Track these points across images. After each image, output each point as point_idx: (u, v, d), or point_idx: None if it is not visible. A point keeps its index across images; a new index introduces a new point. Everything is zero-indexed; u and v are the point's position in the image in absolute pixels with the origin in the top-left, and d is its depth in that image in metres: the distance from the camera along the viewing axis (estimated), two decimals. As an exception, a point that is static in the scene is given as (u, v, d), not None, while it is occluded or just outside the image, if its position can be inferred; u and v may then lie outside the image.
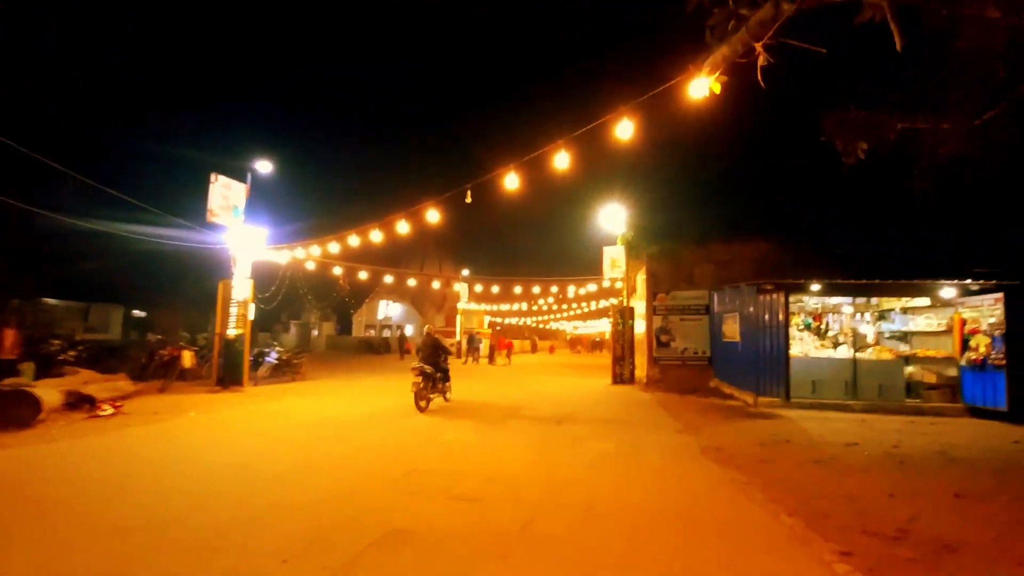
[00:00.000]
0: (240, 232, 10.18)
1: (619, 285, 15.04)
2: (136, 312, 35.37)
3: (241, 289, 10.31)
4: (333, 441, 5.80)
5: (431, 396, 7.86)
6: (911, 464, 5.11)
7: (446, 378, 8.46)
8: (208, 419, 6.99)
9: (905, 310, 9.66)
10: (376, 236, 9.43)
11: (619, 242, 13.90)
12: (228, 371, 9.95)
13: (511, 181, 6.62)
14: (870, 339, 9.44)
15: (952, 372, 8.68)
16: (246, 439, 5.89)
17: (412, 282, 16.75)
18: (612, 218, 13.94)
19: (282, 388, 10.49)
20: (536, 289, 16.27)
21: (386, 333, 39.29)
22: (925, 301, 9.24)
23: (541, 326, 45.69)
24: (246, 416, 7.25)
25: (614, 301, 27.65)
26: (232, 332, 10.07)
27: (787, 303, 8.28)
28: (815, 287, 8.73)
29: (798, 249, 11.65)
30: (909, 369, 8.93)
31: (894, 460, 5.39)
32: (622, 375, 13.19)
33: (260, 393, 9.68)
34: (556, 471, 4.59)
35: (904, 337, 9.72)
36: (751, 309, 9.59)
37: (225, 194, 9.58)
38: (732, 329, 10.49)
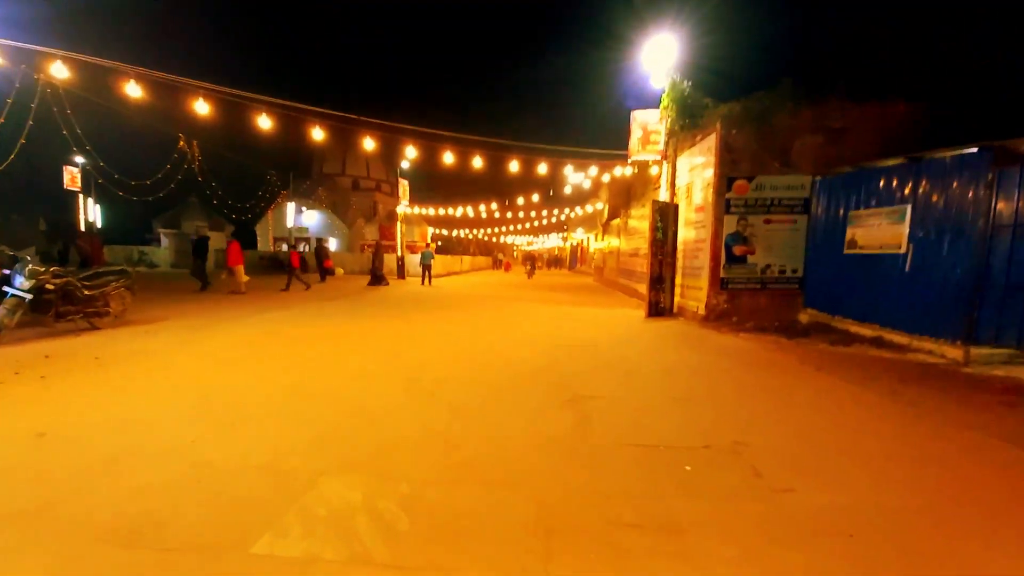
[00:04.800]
0: None
1: (654, 171, 10.28)
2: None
3: None
4: None
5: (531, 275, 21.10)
6: None
7: (534, 270, 23.02)
8: None
9: None
10: None
11: (664, 100, 8.84)
12: None
13: None
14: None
15: None
16: None
17: (318, 133, 10.11)
18: (655, 58, 8.67)
19: (32, 356, 4.87)
20: (513, 166, 10.87)
21: (303, 248, 32.22)
22: None
23: (493, 239, 40.74)
24: None
25: (598, 206, 23.12)
26: None
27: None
28: None
29: (954, 112, 7.48)
30: None
31: None
32: (658, 303, 9.00)
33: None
34: None
35: None
36: (952, 196, 5.40)
37: None
38: (878, 234, 6.39)
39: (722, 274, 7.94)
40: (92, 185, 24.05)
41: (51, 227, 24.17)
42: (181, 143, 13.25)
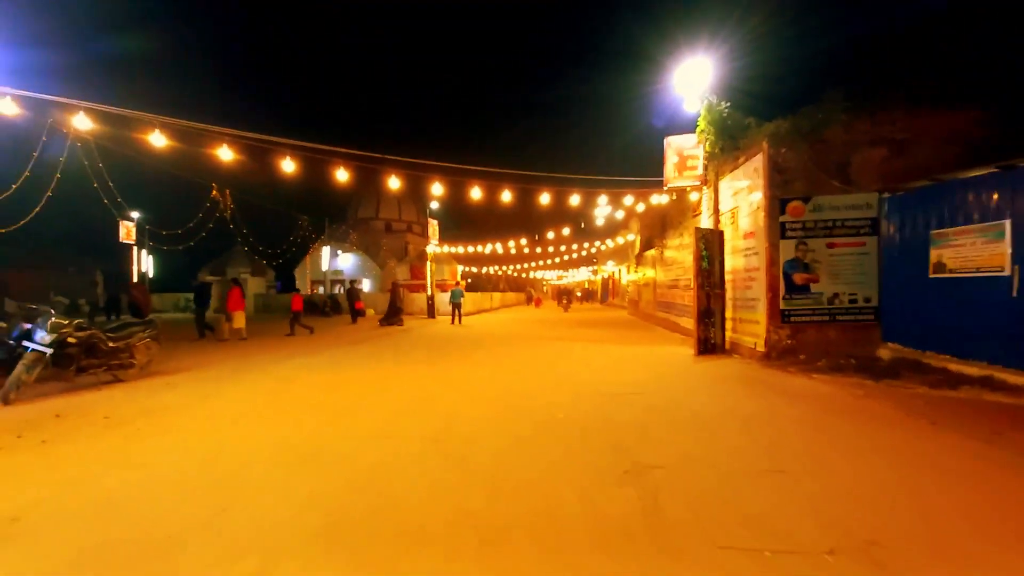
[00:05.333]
0: None
1: (693, 197, 9.71)
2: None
3: None
4: None
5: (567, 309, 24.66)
6: None
7: (571, 302, 27.07)
8: None
9: None
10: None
11: (700, 123, 8.38)
12: None
13: None
14: None
15: None
16: None
17: (346, 175, 10.04)
18: (688, 81, 8.30)
19: (43, 415, 4.65)
20: (544, 198, 10.43)
21: (338, 290, 32.88)
22: None
23: (522, 275, 40.46)
24: None
25: (629, 237, 22.51)
26: None
27: None
28: None
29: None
30: None
31: None
32: (708, 340, 8.17)
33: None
34: None
35: None
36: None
37: None
38: (972, 254, 5.51)
39: (782, 306, 7.10)
40: (146, 237, 25.62)
41: (106, 279, 25.69)
42: (214, 192, 13.73)
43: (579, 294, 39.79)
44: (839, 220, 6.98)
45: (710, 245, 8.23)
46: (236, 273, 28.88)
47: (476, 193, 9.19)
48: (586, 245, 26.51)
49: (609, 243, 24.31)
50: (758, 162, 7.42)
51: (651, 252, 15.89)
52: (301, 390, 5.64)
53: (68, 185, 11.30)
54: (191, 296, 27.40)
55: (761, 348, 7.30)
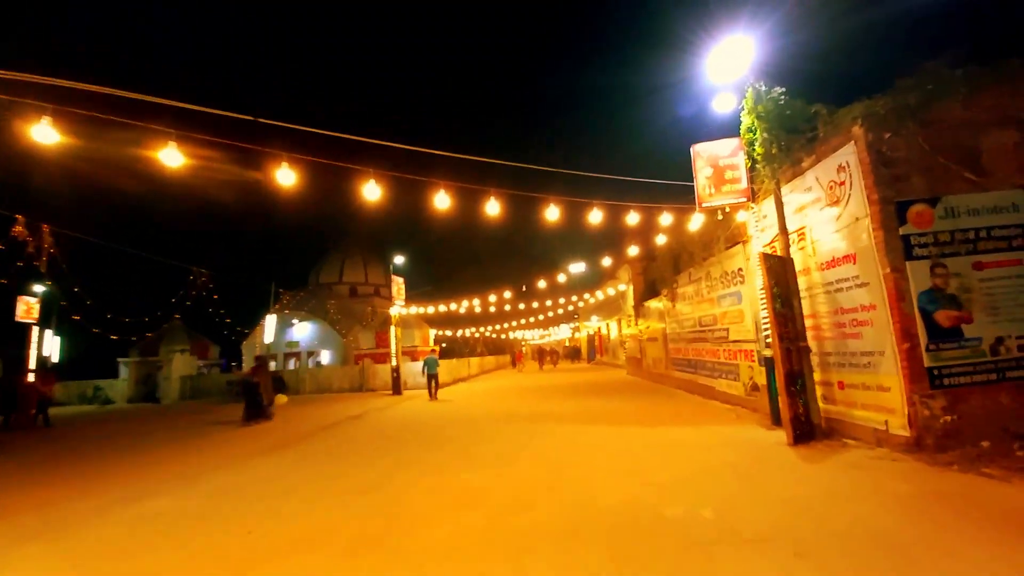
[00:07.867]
0: None
1: (740, 217, 7.44)
2: None
3: None
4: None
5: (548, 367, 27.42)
6: None
7: (557, 360, 30.74)
8: None
9: None
10: None
11: (747, 118, 6.32)
12: None
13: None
14: None
15: None
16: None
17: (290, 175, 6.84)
18: (721, 68, 6.32)
19: None
20: (553, 211, 7.55)
21: (292, 365, 29.00)
22: None
23: (500, 336, 37.43)
24: None
25: (620, 287, 20.31)
26: None
27: None
28: None
29: None
30: None
31: None
32: (798, 416, 5.48)
33: None
34: None
35: None
36: None
37: None
38: None
39: (927, 362, 4.60)
40: (54, 315, 21.59)
41: (6, 364, 21.22)
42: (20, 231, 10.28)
43: (560, 352, 37.01)
44: (983, 228, 4.77)
45: (780, 279, 5.83)
46: (168, 352, 24.56)
47: (442, 200, 6.47)
48: (574, 298, 24.18)
49: (599, 295, 22.07)
50: (845, 157, 5.27)
51: (655, 302, 13.57)
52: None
53: None
54: (100, 383, 22.94)
55: (902, 430, 4.67)
